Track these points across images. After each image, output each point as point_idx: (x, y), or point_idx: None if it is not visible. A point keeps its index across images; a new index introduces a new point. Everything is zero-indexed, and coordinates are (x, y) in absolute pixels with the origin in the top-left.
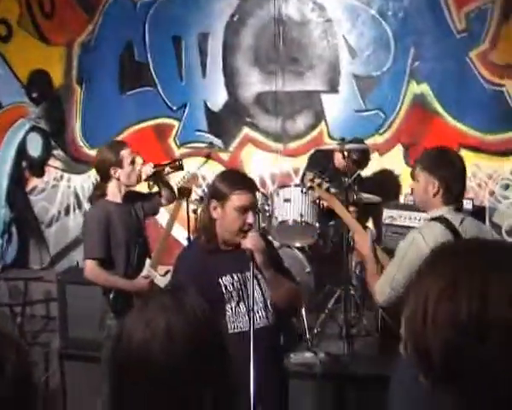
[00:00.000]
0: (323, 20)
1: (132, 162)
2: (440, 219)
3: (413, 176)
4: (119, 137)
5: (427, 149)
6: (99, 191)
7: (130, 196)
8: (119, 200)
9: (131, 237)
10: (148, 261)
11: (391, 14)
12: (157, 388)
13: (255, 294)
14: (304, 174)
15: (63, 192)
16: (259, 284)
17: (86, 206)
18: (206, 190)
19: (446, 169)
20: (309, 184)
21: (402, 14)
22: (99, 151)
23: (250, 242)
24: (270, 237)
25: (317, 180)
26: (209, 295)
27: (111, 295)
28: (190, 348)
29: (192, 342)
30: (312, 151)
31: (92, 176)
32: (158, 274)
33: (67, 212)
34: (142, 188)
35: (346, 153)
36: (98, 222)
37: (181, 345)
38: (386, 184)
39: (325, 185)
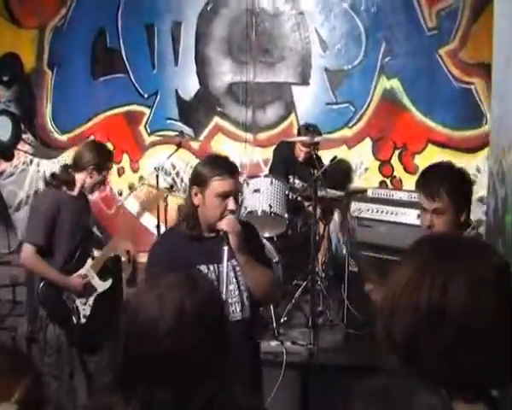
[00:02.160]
0: (296, 13)
1: (103, 181)
2: None
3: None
4: (90, 123)
5: (444, 171)
6: (68, 177)
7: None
8: (74, 193)
9: (77, 232)
10: (89, 261)
11: (363, 9)
12: (161, 363)
13: (231, 286)
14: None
15: (32, 177)
16: (236, 277)
17: None
18: (175, 178)
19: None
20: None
21: (374, 10)
22: (95, 146)
23: (225, 223)
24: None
25: None
26: None
27: (40, 285)
28: (200, 328)
29: (202, 322)
30: (277, 143)
31: (62, 161)
32: (96, 276)
33: None
34: None
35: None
36: (46, 209)
37: (190, 325)
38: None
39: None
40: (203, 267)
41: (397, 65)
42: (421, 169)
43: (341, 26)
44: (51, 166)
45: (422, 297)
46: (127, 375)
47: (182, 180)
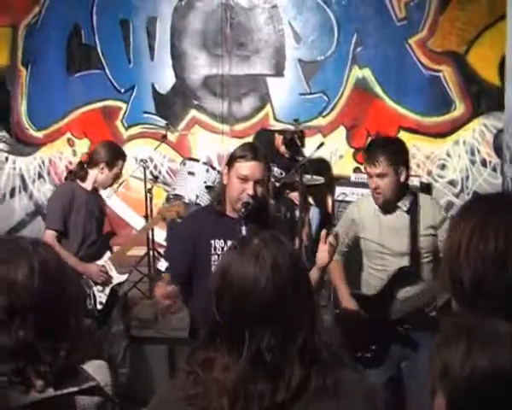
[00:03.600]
0: (269, 6)
1: (117, 176)
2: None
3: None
4: (67, 119)
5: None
6: (82, 172)
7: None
8: (87, 187)
9: (91, 221)
10: (108, 254)
11: (334, 2)
12: (262, 314)
13: None
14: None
15: (8, 174)
16: None
17: (32, 187)
18: (153, 171)
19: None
20: None
21: (345, 2)
22: (108, 144)
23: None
24: None
25: None
26: (199, 250)
27: None
28: (293, 280)
29: (295, 274)
30: (256, 132)
31: (38, 158)
32: (114, 268)
33: (13, 194)
34: None
35: (291, 136)
36: (63, 196)
37: (286, 277)
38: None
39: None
40: (221, 242)
41: (368, 55)
42: None
43: (314, 18)
44: (27, 163)
45: (489, 246)
46: (225, 330)
47: (160, 173)
